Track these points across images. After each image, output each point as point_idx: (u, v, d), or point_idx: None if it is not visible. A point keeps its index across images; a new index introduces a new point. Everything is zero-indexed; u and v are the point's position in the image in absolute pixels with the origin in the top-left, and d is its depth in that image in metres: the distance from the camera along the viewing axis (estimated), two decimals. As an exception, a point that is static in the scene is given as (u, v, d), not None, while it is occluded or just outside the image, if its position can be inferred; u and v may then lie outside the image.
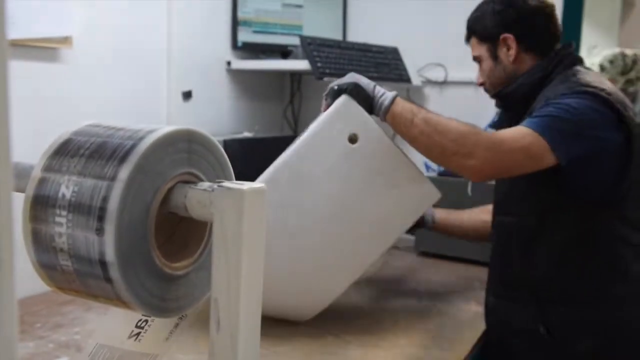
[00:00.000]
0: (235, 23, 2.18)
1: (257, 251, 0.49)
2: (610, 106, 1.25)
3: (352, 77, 1.31)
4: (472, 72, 2.19)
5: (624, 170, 1.28)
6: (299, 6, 2.32)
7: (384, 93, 1.29)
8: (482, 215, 1.62)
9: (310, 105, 2.51)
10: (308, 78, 2.42)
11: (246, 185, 0.49)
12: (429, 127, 1.23)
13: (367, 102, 1.29)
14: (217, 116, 2.19)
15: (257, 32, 2.24)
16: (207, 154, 0.55)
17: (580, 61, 1.42)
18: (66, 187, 0.49)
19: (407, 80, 2.21)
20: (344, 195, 1.27)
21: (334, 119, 1.26)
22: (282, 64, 2.28)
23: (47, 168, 0.51)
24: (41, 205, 0.50)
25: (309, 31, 2.30)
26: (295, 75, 2.49)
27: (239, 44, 2.20)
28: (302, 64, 2.10)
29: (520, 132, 1.23)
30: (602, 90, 1.27)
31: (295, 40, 2.19)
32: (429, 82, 2.28)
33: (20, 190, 0.52)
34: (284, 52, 2.30)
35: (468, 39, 1.53)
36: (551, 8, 1.44)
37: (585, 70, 1.37)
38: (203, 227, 0.56)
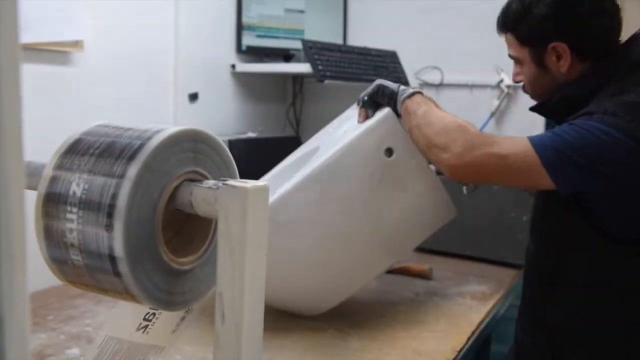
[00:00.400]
0: (240, 28, 2.18)
1: (260, 247, 0.49)
2: None
3: (377, 81, 1.29)
4: (465, 75, 2.20)
5: None
6: (301, 11, 2.32)
7: (406, 89, 1.25)
8: None
9: (311, 107, 2.51)
10: (309, 81, 2.42)
11: (250, 183, 0.49)
12: (422, 120, 1.16)
13: (393, 99, 1.25)
14: (222, 117, 2.19)
15: (261, 36, 2.24)
16: (212, 153, 0.55)
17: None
18: (77, 184, 0.49)
19: (405, 82, 2.21)
20: (370, 204, 1.26)
21: (376, 130, 1.25)
22: (285, 67, 2.28)
23: (59, 166, 0.51)
24: (53, 202, 0.50)
25: (311, 35, 2.30)
26: (297, 78, 2.49)
27: (243, 47, 2.20)
28: (303, 67, 2.10)
29: (516, 141, 1.07)
30: None
31: (298, 44, 2.19)
32: (426, 84, 2.28)
33: (33, 188, 0.52)
34: (286, 56, 2.30)
35: (501, 31, 1.25)
36: (616, 5, 1.18)
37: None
38: (208, 223, 0.55)
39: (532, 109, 1.27)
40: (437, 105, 1.23)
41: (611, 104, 1.06)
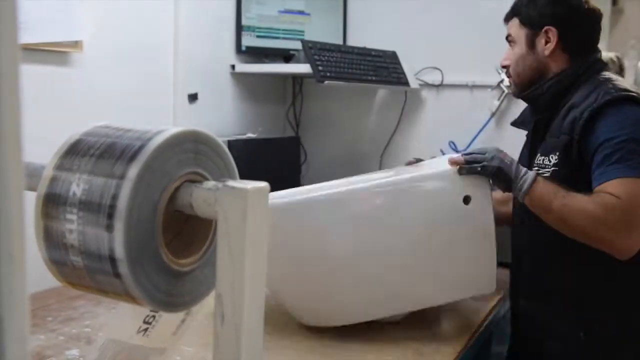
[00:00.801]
0: (239, 28, 2.18)
1: (260, 248, 0.49)
2: None
3: (496, 159, 1.24)
4: (466, 75, 2.20)
5: None
6: (301, 12, 2.32)
7: (524, 174, 1.23)
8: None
9: (311, 107, 2.51)
10: (309, 81, 2.42)
11: (250, 184, 0.48)
12: (565, 214, 1.18)
13: (508, 184, 1.24)
14: (222, 118, 2.19)
15: (261, 36, 2.24)
16: (212, 154, 0.55)
17: (606, 67, 1.38)
18: (77, 185, 0.49)
19: (405, 83, 2.21)
20: (423, 241, 1.24)
21: (467, 176, 1.24)
22: (285, 68, 2.28)
23: (59, 167, 0.51)
24: (53, 203, 0.49)
25: (311, 36, 2.30)
26: (297, 78, 2.49)
27: (243, 48, 2.20)
28: (303, 68, 2.09)
29: (630, 188, 1.14)
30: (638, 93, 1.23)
31: (297, 45, 2.19)
32: (426, 84, 2.28)
33: (32, 189, 0.51)
34: (286, 56, 2.30)
35: (509, 18, 1.44)
36: (601, 14, 1.38)
37: (615, 76, 1.32)
38: (208, 225, 0.55)
39: (520, 97, 1.45)
40: (561, 188, 1.21)
41: (605, 90, 1.24)
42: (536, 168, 1.31)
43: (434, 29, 2.24)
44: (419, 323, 1.38)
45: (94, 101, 1.65)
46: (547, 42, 1.35)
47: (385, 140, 2.35)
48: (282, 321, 1.35)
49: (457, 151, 2.16)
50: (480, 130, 2.16)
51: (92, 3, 1.60)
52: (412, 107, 2.32)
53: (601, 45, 1.53)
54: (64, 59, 1.57)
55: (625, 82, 1.28)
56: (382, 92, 2.39)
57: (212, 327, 0.50)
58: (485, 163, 1.23)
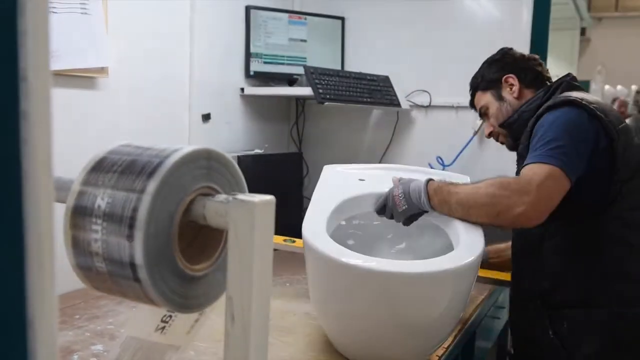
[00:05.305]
0: (248, 55, 2.19)
1: (266, 255, 0.49)
2: (591, 113, 1.20)
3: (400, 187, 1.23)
4: (451, 97, 2.20)
5: (612, 172, 1.20)
6: (304, 40, 2.33)
7: (419, 194, 1.19)
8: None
9: (312, 126, 2.51)
10: (311, 102, 2.43)
11: (257, 197, 0.48)
12: (464, 209, 1.14)
13: (414, 211, 1.22)
14: (232, 135, 2.19)
15: (267, 62, 2.25)
16: (223, 170, 0.55)
17: (575, 87, 1.36)
18: (101, 198, 0.48)
19: (397, 104, 2.21)
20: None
21: None
22: (289, 90, 2.28)
23: (85, 182, 0.51)
24: (80, 214, 0.49)
25: (312, 62, 2.30)
26: (299, 100, 2.49)
27: (251, 73, 2.20)
28: (306, 90, 2.10)
29: (536, 167, 1.14)
30: (582, 99, 1.22)
31: (300, 70, 2.20)
32: (416, 105, 2.28)
33: (61, 201, 0.51)
34: (290, 80, 2.30)
35: (472, 98, 1.52)
36: (538, 58, 1.49)
37: (574, 92, 1.30)
38: (219, 234, 0.55)
39: (500, 125, 1.46)
40: (448, 185, 1.21)
41: (559, 98, 1.26)
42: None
43: (423, 56, 2.25)
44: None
45: (117, 120, 1.65)
46: (511, 88, 1.43)
47: (379, 155, 2.35)
48: (286, 320, 1.34)
49: (443, 165, 2.17)
50: (465, 147, 2.16)
51: (116, 34, 1.61)
52: (403, 126, 2.32)
53: (572, 70, 1.56)
54: (91, 83, 1.57)
55: (576, 93, 1.28)
56: (376, 112, 2.39)
57: (223, 326, 0.50)
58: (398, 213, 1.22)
